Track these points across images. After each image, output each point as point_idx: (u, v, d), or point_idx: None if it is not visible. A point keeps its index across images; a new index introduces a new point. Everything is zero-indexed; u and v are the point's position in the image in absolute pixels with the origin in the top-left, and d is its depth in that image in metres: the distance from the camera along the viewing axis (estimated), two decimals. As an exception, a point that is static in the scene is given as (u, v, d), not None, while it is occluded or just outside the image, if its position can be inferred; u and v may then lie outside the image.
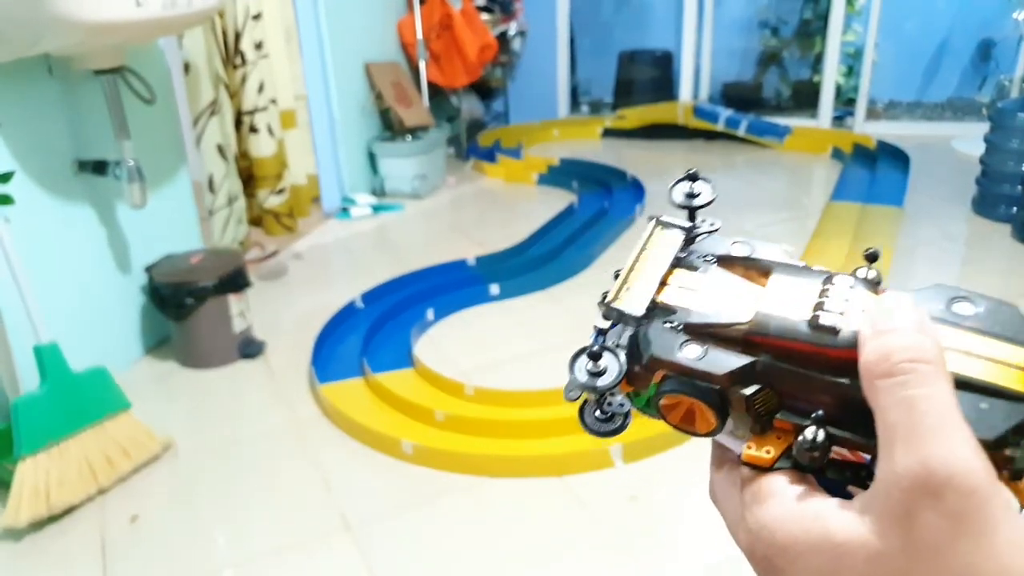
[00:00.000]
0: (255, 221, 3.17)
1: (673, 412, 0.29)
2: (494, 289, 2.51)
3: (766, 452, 0.27)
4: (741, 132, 4.22)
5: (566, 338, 2.26)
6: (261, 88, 2.94)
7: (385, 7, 3.84)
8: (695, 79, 4.70)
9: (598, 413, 0.31)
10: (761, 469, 0.28)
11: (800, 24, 4.94)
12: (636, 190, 3.44)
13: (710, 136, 4.34)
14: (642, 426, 1.48)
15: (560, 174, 3.77)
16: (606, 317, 0.31)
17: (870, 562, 0.23)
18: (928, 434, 0.22)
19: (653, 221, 0.33)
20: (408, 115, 3.65)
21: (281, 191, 3.12)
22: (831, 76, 4.37)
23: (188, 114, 2.72)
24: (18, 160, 1.80)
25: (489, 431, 1.75)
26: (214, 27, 2.77)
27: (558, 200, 3.44)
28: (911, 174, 3.49)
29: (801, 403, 0.27)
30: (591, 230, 2.98)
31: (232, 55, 2.89)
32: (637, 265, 0.32)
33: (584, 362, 0.29)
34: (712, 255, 0.31)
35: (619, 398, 0.30)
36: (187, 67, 2.69)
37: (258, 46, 2.91)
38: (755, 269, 0.30)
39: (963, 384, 0.24)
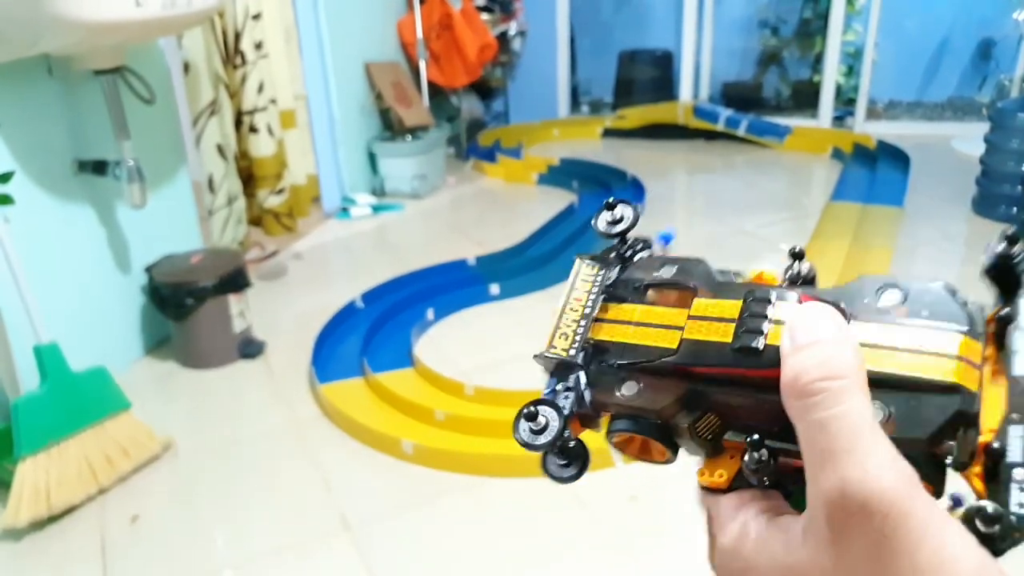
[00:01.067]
0: (255, 221, 3.17)
1: (628, 447, 0.30)
2: (494, 289, 2.51)
3: (719, 476, 0.28)
4: (741, 132, 4.22)
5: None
6: (261, 88, 2.94)
7: (385, 7, 3.84)
8: (695, 79, 4.70)
9: (559, 460, 0.31)
10: (720, 491, 0.28)
11: (800, 24, 4.94)
12: (636, 190, 3.44)
13: (710, 136, 4.34)
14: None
15: (560, 174, 3.77)
16: (545, 368, 0.31)
17: None
18: (842, 456, 0.22)
19: (577, 259, 0.34)
20: (408, 115, 3.65)
21: (281, 191, 3.12)
22: (831, 76, 4.37)
23: (188, 114, 2.72)
24: (18, 160, 1.80)
25: (489, 431, 1.75)
26: (214, 27, 2.77)
27: (558, 200, 3.44)
28: (911, 174, 3.49)
29: (744, 422, 0.27)
30: (591, 230, 2.97)
31: (232, 55, 2.89)
32: (569, 306, 0.32)
33: (523, 424, 0.29)
34: (641, 282, 0.31)
35: (573, 442, 0.30)
36: (187, 67, 2.69)
37: (258, 46, 2.91)
38: (682, 291, 0.30)
39: (892, 383, 0.24)
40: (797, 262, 0.29)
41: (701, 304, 0.29)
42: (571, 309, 0.32)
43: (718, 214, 3.29)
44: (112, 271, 2.13)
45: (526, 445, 0.29)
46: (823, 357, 0.23)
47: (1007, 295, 0.26)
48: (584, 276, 0.33)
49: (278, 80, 3.06)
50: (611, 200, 0.34)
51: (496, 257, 2.80)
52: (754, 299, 0.27)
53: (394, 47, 3.94)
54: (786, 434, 0.25)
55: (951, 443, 0.23)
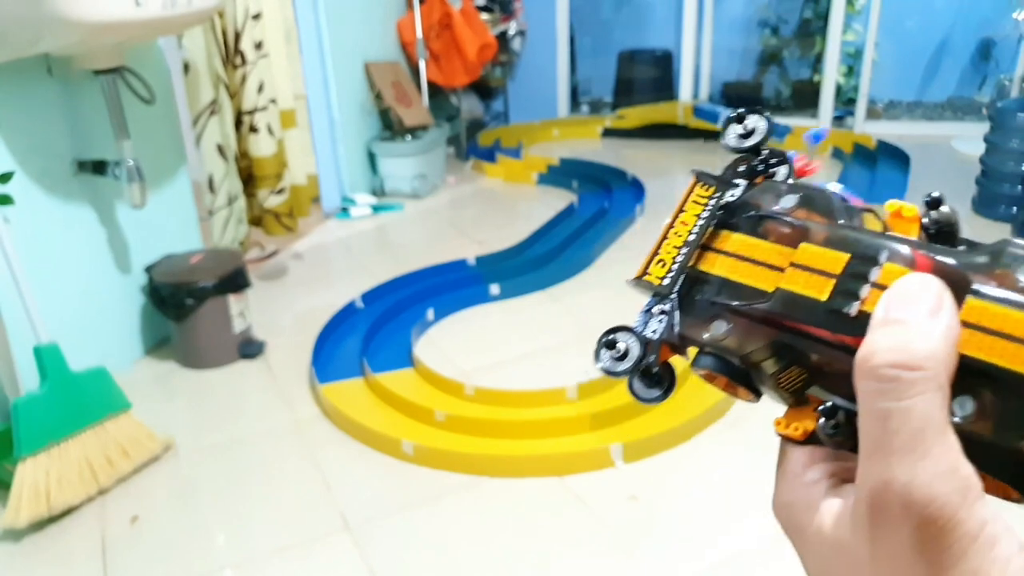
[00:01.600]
0: (255, 221, 3.17)
1: (714, 382, 0.29)
2: (494, 289, 2.51)
3: (794, 429, 0.27)
4: (741, 132, 4.21)
5: (566, 338, 2.26)
6: (261, 88, 2.94)
7: (385, 7, 3.84)
8: (695, 79, 4.70)
9: (644, 382, 0.30)
10: (795, 442, 0.27)
11: (800, 24, 4.94)
12: (636, 190, 3.44)
13: (710, 136, 4.34)
14: (642, 426, 1.48)
15: (560, 174, 3.77)
16: (637, 287, 0.30)
17: (851, 567, 0.23)
18: (895, 454, 0.21)
19: (693, 175, 0.32)
20: (408, 115, 3.65)
21: (281, 191, 3.12)
22: (831, 76, 4.37)
23: (188, 114, 2.72)
24: (18, 160, 1.80)
25: (489, 431, 1.75)
26: (214, 27, 2.77)
27: (558, 200, 3.44)
28: (911, 174, 3.49)
29: (830, 382, 0.26)
30: (591, 230, 2.98)
31: (232, 55, 2.89)
32: (673, 229, 0.30)
33: (604, 352, 0.30)
34: (756, 212, 0.29)
35: (657, 368, 0.30)
36: (187, 67, 2.69)
37: (258, 46, 2.91)
38: (796, 229, 0.27)
39: (996, 376, 0.21)
40: (939, 210, 0.26)
41: (807, 251, 0.26)
42: (675, 233, 0.30)
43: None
44: (112, 271, 2.13)
45: (608, 372, 0.30)
46: (904, 340, 0.21)
47: None
48: (697, 197, 0.31)
49: (278, 80, 3.06)
50: (740, 112, 0.31)
51: (496, 257, 2.80)
52: (862, 257, 0.25)
53: (394, 47, 3.94)
54: None
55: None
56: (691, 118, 4.40)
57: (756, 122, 0.30)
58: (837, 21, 4.27)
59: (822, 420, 0.25)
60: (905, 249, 0.24)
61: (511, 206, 3.59)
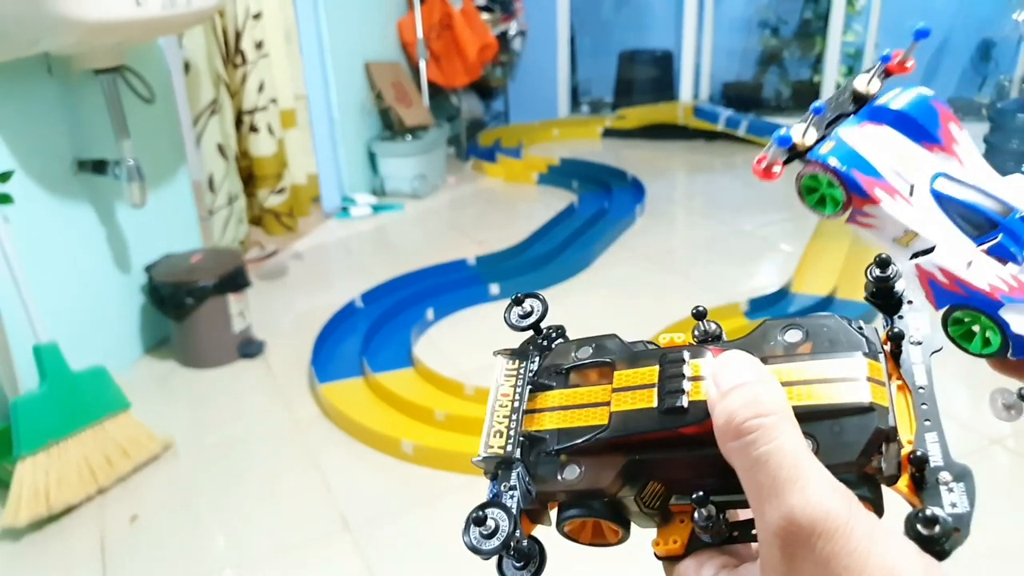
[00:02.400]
0: (255, 221, 3.17)
1: (581, 534, 0.31)
2: (494, 289, 2.51)
3: (673, 543, 0.28)
4: (741, 132, 4.22)
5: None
6: (261, 87, 2.94)
7: (385, 7, 3.84)
8: (695, 79, 4.70)
9: (515, 563, 0.30)
10: (677, 558, 0.28)
11: (800, 24, 4.94)
12: (636, 190, 3.44)
13: (710, 136, 4.34)
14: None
15: (560, 174, 3.77)
16: (485, 471, 0.31)
17: None
18: (784, 487, 0.23)
19: (496, 355, 0.34)
20: (408, 115, 3.65)
21: (281, 191, 3.12)
22: (831, 76, 4.37)
23: (188, 113, 2.72)
24: (18, 160, 1.80)
25: (489, 431, 1.74)
26: (214, 26, 2.77)
27: (558, 200, 3.44)
28: (911, 174, 3.48)
29: (686, 483, 0.28)
30: (591, 230, 2.98)
31: (232, 54, 2.89)
32: (497, 403, 0.32)
33: (473, 530, 0.29)
34: (561, 367, 0.32)
35: (526, 541, 0.30)
36: (187, 66, 2.69)
37: (258, 45, 2.91)
38: (603, 368, 0.31)
39: (812, 415, 0.25)
40: (702, 322, 0.31)
41: (621, 376, 0.29)
42: (500, 406, 0.32)
43: (718, 214, 3.29)
44: (112, 271, 2.13)
45: (477, 551, 0.29)
46: (750, 397, 0.24)
47: (891, 314, 0.29)
48: (507, 371, 0.33)
49: (278, 80, 3.06)
50: (519, 295, 0.35)
51: (496, 257, 2.80)
52: (669, 361, 0.28)
53: (394, 47, 3.94)
54: (727, 486, 0.26)
55: (879, 460, 0.25)
56: (691, 118, 4.40)
57: (533, 303, 0.34)
58: (837, 21, 4.27)
59: (696, 514, 0.27)
60: (699, 349, 0.28)
61: (511, 206, 3.59)
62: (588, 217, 3.09)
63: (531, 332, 0.34)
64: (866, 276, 0.30)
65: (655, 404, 0.28)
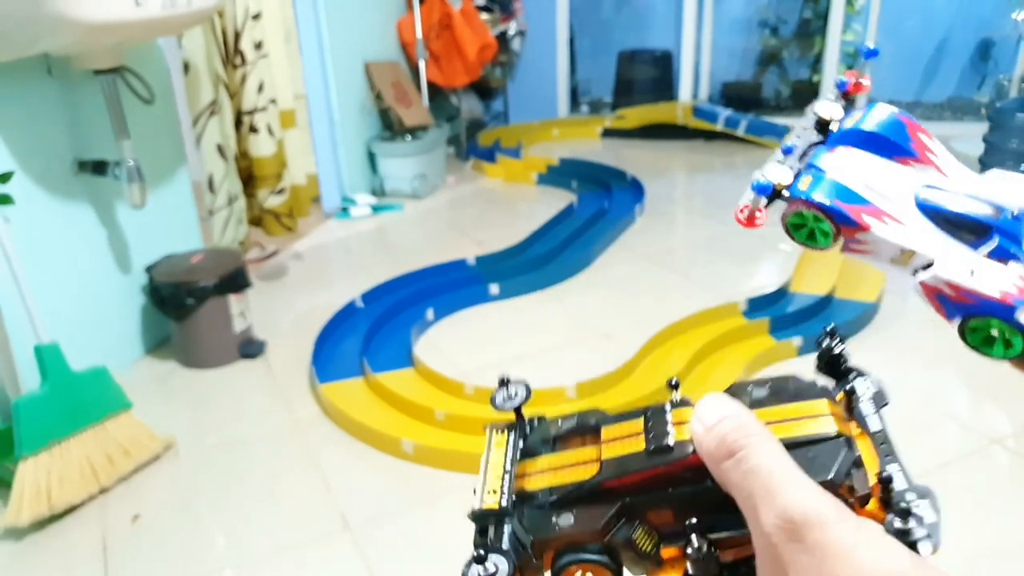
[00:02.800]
0: (255, 221, 3.17)
1: None
2: (494, 289, 2.51)
3: None
4: (741, 132, 4.22)
5: (566, 338, 2.27)
6: (261, 88, 2.94)
7: (385, 7, 3.84)
8: (695, 79, 4.70)
9: None
10: None
11: (800, 24, 4.94)
12: (636, 190, 3.45)
13: (710, 136, 4.35)
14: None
15: (560, 174, 3.78)
16: (477, 522, 0.33)
17: None
18: (777, 490, 0.25)
19: (488, 430, 0.36)
20: (408, 115, 3.65)
21: (281, 191, 3.13)
22: (831, 76, 4.38)
23: (188, 114, 2.72)
24: (18, 160, 1.80)
25: (489, 431, 1.74)
26: (214, 27, 2.77)
27: (558, 200, 3.44)
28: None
29: (676, 525, 0.29)
30: (591, 230, 2.99)
31: (232, 55, 2.89)
32: (489, 471, 0.34)
33: (475, 570, 0.30)
34: (548, 438, 0.34)
35: None
36: (187, 67, 2.69)
37: (258, 46, 2.91)
38: (588, 433, 0.33)
39: (789, 446, 0.27)
40: (676, 391, 0.33)
41: (609, 430, 0.32)
42: (492, 473, 0.33)
43: (718, 214, 3.29)
44: (112, 271, 2.13)
45: None
46: (735, 424, 0.27)
47: (841, 378, 0.32)
48: (497, 442, 0.35)
49: (278, 80, 3.06)
50: (504, 378, 0.36)
51: (496, 257, 2.80)
52: (653, 413, 0.31)
53: (394, 47, 3.94)
54: (716, 522, 0.28)
55: (851, 481, 0.27)
56: (691, 118, 4.40)
57: (518, 388, 0.36)
58: (837, 21, 4.27)
59: (688, 548, 0.28)
60: (680, 402, 0.31)
61: (511, 206, 3.59)
62: (588, 217, 3.09)
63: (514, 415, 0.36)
64: (818, 346, 0.33)
65: (643, 447, 0.30)
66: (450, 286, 2.54)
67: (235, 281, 2.16)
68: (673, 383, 0.33)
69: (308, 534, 1.54)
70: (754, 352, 2.03)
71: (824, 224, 0.34)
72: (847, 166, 0.34)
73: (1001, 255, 0.31)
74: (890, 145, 0.35)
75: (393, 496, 1.64)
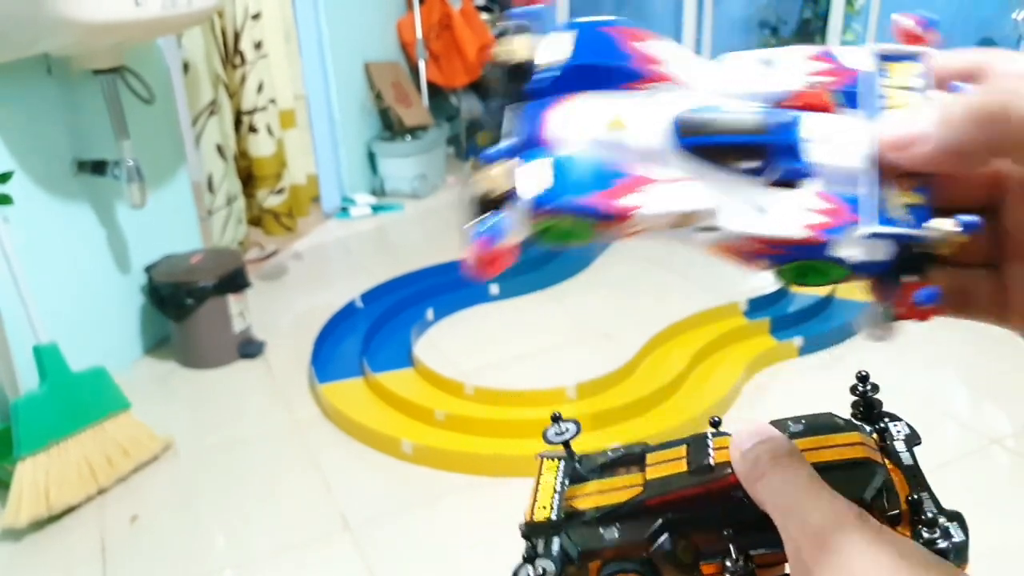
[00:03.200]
0: (255, 221, 3.17)
1: None
2: (494, 289, 2.51)
3: None
4: (741, 132, 4.21)
5: (566, 338, 2.26)
6: (260, 88, 2.94)
7: (385, 7, 3.84)
8: (695, 79, 4.70)
9: None
10: None
11: (800, 24, 4.94)
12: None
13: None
14: (642, 425, 1.47)
15: (560, 174, 3.77)
16: (528, 534, 0.35)
17: None
18: (805, 502, 0.26)
19: (539, 458, 0.38)
20: (408, 115, 3.65)
21: (280, 191, 3.12)
22: (831, 76, 4.37)
23: (187, 114, 2.72)
24: (17, 160, 1.80)
25: (489, 431, 1.74)
26: (213, 27, 2.77)
27: (558, 200, 3.43)
28: (911, 174, 3.48)
29: (716, 543, 0.31)
30: (591, 230, 2.98)
31: (231, 55, 2.89)
32: (540, 492, 0.36)
33: (527, 570, 0.32)
34: (596, 467, 0.36)
35: None
36: (186, 67, 2.69)
37: (257, 46, 2.91)
38: (631, 462, 0.35)
39: (823, 469, 0.28)
40: (717, 429, 0.34)
41: (654, 456, 0.34)
42: (542, 493, 0.35)
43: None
44: (112, 271, 2.13)
45: None
46: (769, 447, 0.29)
47: (875, 422, 0.33)
48: (547, 467, 0.37)
49: (278, 80, 3.06)
50: (556, 414, 0.38)
51: (496, 257, 2.79)
52: (694, 440, 0.33)
53: (394, 47, 3.94)
54: (754, 540, 0.29)
55: (882, 504, 0.28)
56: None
57: (568, 426, 0.38)
58: (837, 21, 4.27)
59: (727, 562, 0.29)
60: (720, 432, 0.32)
61: (511, 206, 3.58)
62: (588, 217, 3.08)
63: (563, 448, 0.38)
64: (852, 392, 0.34)
65: (686, 469, 0.32)
66: (450, 286, 2.54)
67: (234, 281, 2.16)
68: (715, 421, 0.35)
69: (308, 534, 1.53)
70: (755, 352, 2.03)
71: (569, 227, 0.25)
72: (564, 132, 0.25)
73: (788, 176, 0.24)
74: (606, 73, 0.26)
75: (393, 496, 1.64)
